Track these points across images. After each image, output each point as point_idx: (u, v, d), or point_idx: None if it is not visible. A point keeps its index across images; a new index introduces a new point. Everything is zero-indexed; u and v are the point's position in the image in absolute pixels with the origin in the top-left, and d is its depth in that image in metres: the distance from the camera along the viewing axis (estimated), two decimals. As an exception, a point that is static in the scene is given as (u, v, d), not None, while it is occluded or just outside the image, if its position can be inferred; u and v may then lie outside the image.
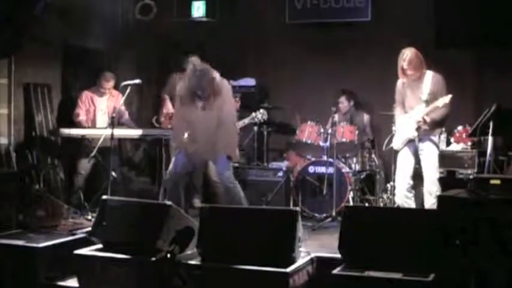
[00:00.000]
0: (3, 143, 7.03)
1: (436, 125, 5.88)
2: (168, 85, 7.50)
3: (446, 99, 5.70)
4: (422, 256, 4.09)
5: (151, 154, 7.65)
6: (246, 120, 6.73)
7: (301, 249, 4.48)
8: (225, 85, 6.08)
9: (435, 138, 5.97)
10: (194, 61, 6.09)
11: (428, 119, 5.77)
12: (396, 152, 6.17)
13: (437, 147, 6.02)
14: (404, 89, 6.03)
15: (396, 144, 6.10)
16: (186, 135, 5.96)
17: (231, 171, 6.11)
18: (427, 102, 5.82)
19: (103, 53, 8.55)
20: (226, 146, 6.01)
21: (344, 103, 7.88)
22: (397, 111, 6.14)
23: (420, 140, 5.90)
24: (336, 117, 7.18)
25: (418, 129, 5.86)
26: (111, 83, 7.42)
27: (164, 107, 7.45)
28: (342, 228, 4.44)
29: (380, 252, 4.22)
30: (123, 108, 7.45)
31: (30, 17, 6.79)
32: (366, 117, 7.91)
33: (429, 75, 5.90)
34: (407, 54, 5.82)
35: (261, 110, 6.75)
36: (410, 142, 5.97)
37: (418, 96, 5.87)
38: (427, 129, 5.85)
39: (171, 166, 6.18)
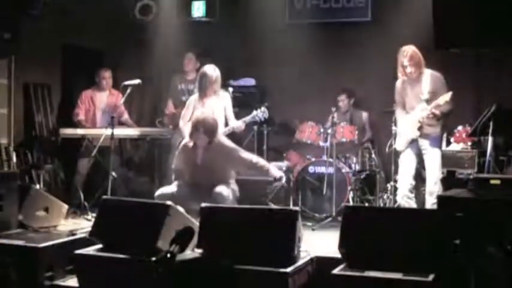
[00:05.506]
0: (3, 143, 7.03)
1: (443, 116, 5.87)
2: (170, 87, 7.54)
3: (447, 97, 5.70)
4: (422, 256, 4.09)
5: (151, 154, 7.65)
6: (247, 119, 6.70)
7: (301, 249, 4.48)
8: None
9: (438, 139, 5.97)
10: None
11: (437, 112, 5.76)
12: (397, 152, 6.16)
13: (440, 148, 6.02)
14: (404, 89, 6.02)
15: (399, 145, 6.09)
16: (186, 177, 5.88)
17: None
18: (428, 101, 5.82)
19: (103, 53, 8.56)
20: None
21: (344, 101, 7.86)
22: (398, 112, 6.14)
23: (423, 141, 5.90)
24: (336, 116, 7.16)
25: (420, 128, 5.87)
26: (108, 73, 7.48)
27: (167, 108, 7.51)
28: (342, 228, 4.43)
29: (380, 252, 4.22)
30: (123, 108, 7.46)
31: (30, 17, 6.80)
32: (364, 115, 7.90)
33: (428, 74, 5.90)
34: (408, 51, 5.86)
35: (262, 108, 6.73)
36: (413, 143, 5.96)
37: (419, 96, 5.87)
38: (430, 126, 5.85)
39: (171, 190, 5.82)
